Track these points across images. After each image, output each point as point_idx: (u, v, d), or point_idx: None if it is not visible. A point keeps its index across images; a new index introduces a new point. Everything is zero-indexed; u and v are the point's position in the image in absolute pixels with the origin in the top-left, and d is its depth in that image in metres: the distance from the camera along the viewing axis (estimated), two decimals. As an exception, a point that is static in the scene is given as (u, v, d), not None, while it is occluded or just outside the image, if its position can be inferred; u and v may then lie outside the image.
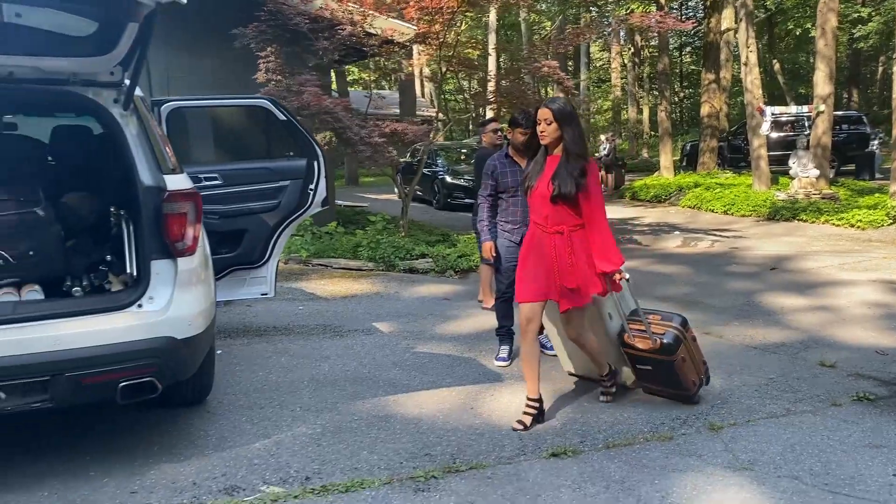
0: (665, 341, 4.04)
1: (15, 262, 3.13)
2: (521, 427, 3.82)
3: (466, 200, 15.46)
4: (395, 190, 18.63)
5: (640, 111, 33.92)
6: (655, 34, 12.24)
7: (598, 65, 40.54)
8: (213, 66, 9.07)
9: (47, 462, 3.38)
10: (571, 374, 4.67)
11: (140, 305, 3.22)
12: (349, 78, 28.94)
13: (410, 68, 12.43)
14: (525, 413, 3.89)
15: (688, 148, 22.46)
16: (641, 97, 34.04)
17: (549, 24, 32.02)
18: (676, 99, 37.44)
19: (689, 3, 38.30)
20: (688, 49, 38.80)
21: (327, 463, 3.45)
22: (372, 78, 32.10)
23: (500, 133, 6.53)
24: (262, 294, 5.28)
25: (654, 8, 23.63)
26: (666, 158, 19.43)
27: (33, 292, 3.19)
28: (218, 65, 9.24)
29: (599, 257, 3.79)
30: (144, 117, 3.49)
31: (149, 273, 3.27)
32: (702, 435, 3.79)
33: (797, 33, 27.27)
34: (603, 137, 20.60)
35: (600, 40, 33.26)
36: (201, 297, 3.45)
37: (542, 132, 3.76)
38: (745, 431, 3.83)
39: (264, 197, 5.17)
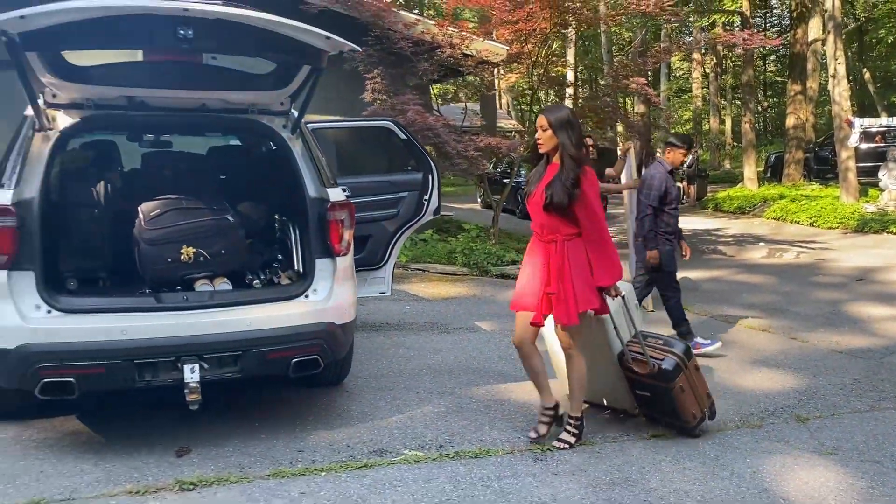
0: (663, 367, 3.87)
1: (211, 259, 3.84)
2: (535, 435, 3.86)
3: (549, 210, 15.91)
4: (478, 199, 19.31)
5: (722, 122, 33.54)
6: (741, 49, 12.40)
7: (678, 75, 40.25)
8: (322, 85, 9.85)
9: (227, 426, 4.06)
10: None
11: (307, 296, 3.89)
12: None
13: (502, 83, 12.96)
14: (540, 421, 3.92)
15: (772, 159, 22.24)
16: (724, 108, 33.66)
17: (629, 34, 32.10)
18: (760, 109, 36.81)
19: (775, 11, 37.69)
20: (772, 58, 38.11)
21: (455, 435, 4.02)
22: (452, 91, 32.95)
23: (591, 148, 7.03)
24: (381, 293, 5.92)
25: (737, 19, 23.57)
26: (750, 170, 19.38)
27: (224, 284, 3.89)
28: (325, 85, 10.00)
29: (597, 270, 3.66)
30: (308, 140, 4.18)
31: (314, 269, 3.94)
32: (789, 425, 4.19)
33: (889, 41, 26.54)
34: (685, 149, 20.65)
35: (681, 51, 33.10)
36: (351, 291, 4.10)
37: (538, 139, 3.72)
38: (830, 423, 4.21)
39: (385, 206, 5.82)
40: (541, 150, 3.75)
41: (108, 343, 3.42)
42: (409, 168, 6.10)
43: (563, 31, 9.93)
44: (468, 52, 9.57)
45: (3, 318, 3.38)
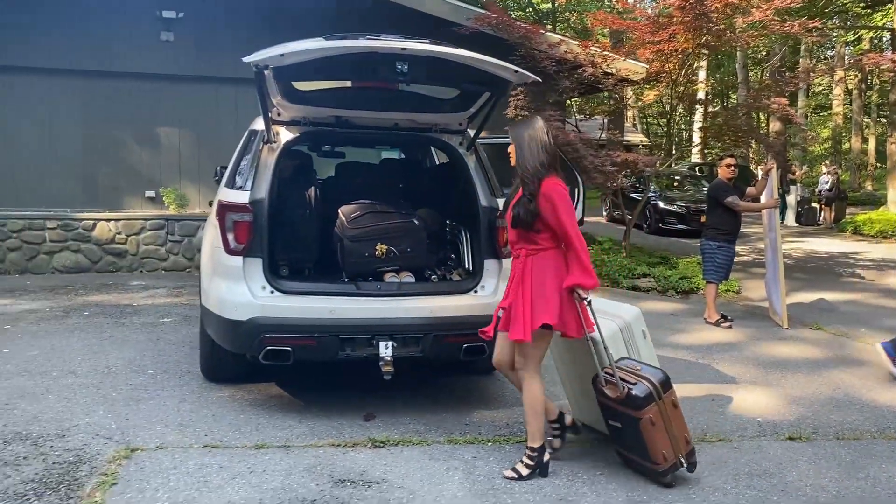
0: (633, 392, 3.54)
1: (399, 255, 4.51)
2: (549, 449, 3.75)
3: (679, 226, 15.95)
4: (604, 213, 19.52)
5: (864, 141, 31.88)
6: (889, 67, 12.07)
7: (817, 90, 38.52)
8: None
9: (402, 400, 4.71)
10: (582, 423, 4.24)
11: (476, 291, 4.48)
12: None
13: (641, 101, 13.23)
14: (552, 436, 3.89)
15: (920, 182, 21.04)
16: (867, 126, 31.99)
17: (765, 50, 31.19)
18: (909, 128, 34.65)
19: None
20: (925, 74, 35.78)
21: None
22: (576, 105, 33.20)
23: (733, 168, 7.27)
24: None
25: (886, 35, 22.50)
26: (894, 192, 18.51)
27: (408, 277, 4.55)
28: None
29: (570, 272, 3.51)
30: (480, 155, 4.78)
31: (482, 269, 4.52)
32: (927, 440, 4.37)
33: None
34: (824, 169, 20.00)
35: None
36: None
37: (508, 152, 3.71)
38: (970, 441, 4.35)
39: (534, 216, 6.33)
40: (512, 164, 3.71)
41: (319, 320, 4.13)
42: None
43: (704, 51, 10.12)
44: (609, 71, 9.97)
45: (238, 295, 4.17)
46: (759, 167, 11.49)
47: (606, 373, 3.66)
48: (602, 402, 3.71)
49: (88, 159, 10.09)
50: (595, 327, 3.61)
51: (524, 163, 3.57)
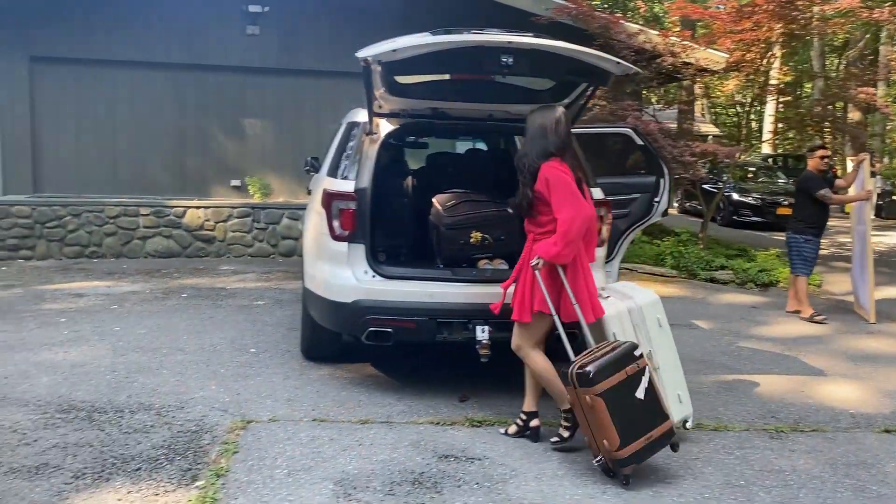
0: (562, 370, 3.59)
1: (493, 243, 4.65)
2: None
3: (754, 218, 15.64)
4: (675, 204, 19.25)
5: (951, 131, 30.39)
6: None
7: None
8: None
9: (491, 384, 4.85)
10: None
11: (567, 279, 4.58)
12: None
13: (719, 91, 13.04)
14: (514, 422, 4.04)
15: None
16: (954, 115, 30.50)
17: (843, 37, 30.00)
18: None
19: None
20: None
21: (695, 411, 4.52)
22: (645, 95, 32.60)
23: (826, 160, 7.15)
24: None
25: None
26: (984, 185, 17.74)
27: (501, 264, 4.68)
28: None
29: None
30: (574, 146, 4.86)
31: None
32: None
33: None
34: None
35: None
36: (602, 277, 4.74)
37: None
38: None
39: (618, 206, 6.38)
40: None
41: (418, 304, 4.31)
42: (643, 171, 6.64)
43: (790, 40, 9.92)
44: (688, 61, 9.88)
45: (343, 279, 4.39)
46: (849, 159, 11.15)
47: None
48: None
49: (178, 149, 10.55)
50: (549, 305, 3.68)
51: (526, 149, 3.79)
